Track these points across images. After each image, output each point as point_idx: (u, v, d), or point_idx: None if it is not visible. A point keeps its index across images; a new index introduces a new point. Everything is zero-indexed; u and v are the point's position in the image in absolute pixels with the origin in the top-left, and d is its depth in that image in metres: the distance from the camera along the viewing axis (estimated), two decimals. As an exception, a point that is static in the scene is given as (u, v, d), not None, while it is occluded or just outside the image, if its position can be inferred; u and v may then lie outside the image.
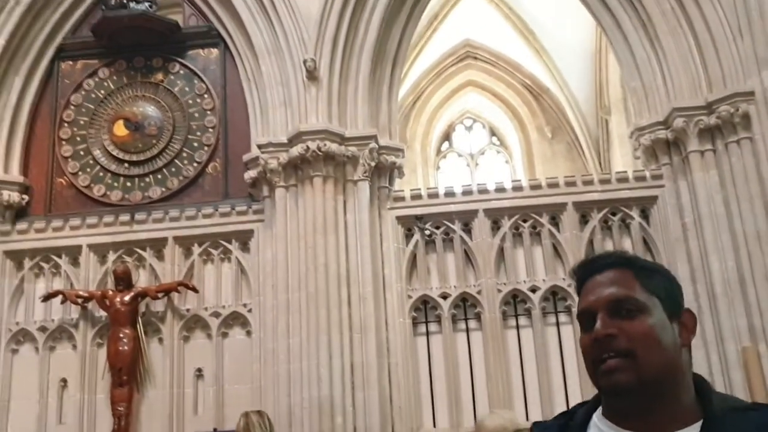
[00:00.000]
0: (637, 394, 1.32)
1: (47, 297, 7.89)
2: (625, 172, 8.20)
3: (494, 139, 16.08)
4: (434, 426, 7.50)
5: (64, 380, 7.82)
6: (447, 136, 16.10)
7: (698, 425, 1.32)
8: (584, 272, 1.46)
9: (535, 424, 1.55)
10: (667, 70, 7.85)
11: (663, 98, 7.86)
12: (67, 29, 8.86)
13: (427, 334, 7.76)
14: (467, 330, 7.75)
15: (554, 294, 7.76)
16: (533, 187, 8.11)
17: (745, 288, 7.12)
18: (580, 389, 7.16)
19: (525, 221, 7.95)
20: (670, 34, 7.85)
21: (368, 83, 8.11)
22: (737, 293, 7.15)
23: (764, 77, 7.37)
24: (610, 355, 1.33)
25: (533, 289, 7.72)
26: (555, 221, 7.94)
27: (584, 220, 7.93)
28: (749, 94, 7.40)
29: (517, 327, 7.71)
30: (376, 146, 7.86)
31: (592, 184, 8.02)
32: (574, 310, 6.98)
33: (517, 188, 8.13)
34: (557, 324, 7.66)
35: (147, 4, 8.60)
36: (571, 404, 1.60)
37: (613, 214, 7.91)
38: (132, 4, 8.54)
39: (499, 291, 7.71)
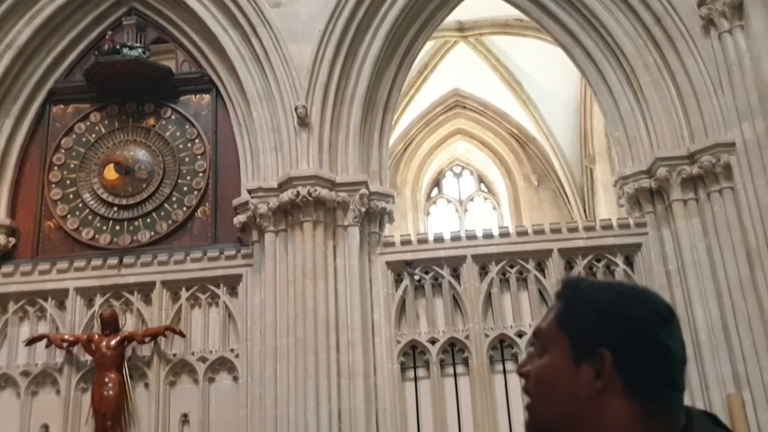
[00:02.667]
0: None
1: (32, 341, 7.80)
2: (610, 219, 8.32)
3: (482, 186, 16.28)
4: (422, 473, 7.43)
5: (46, 426, 7.67)
6: (437, 183, 16.28)
7: None
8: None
9: None
10: (650, 120, 8.05)
11: (646, 148, 8.03)
12: (59, 73, 8.95)
13: (416, 379, 7.73)
14: (455, 375, 7.73)
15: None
16: (520, 234, 8.22)
17: (729, 336, 7.19)
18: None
19: (512, 267, 8.02)
20: (653, 86, 8.07)
21: (359, 130, 8.24)
22: (721, 341, 7.21)
23: (744, 129, 7.57)
24: None
25: (519, 334, 7.75)
26: (541, 267, 8.02)
27: (569, 266, 8.01)
28: (730, 144, 7.59)
29: (504, 372, 7.72)
30: (367, 192, 7.94)
31: (577, 231, 8.13)
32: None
33: (505, 235, 8.24)
34: (545, 370, 7.66)
35: (140, 50, 8.73)
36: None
37: (598, 261, 8.00)
38: (125, 50, 8.66)
39: (487, 336, 7.74)
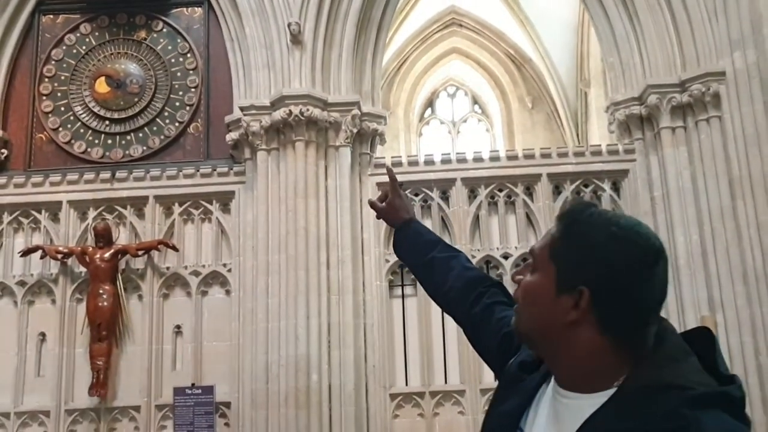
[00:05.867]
0: (525, 342, 1.41)
1: (27, 252, 7.94)
2: (599, 145, 8.40)
3: (476, 107, 16.21)
4: (406, 385, 7.77)
5: (43, 334, 7.92)
6: (430, 103, 16.19)
7: (607, 393, 1.24)
8: None
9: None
10: (644, 47, 8.02)
11: (639, 75, 8.03)
12: (47, -19, 8.78)
13: (403, 296, 7.98)
14: (441, 294, 7.94)
15: (525, 261, 7.97)
16: (510, 158, 8.31)
17: (707, 261, 7.40)
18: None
19: (501, 190, 8.15)
20: (649, 12, 7.99)
21: (352, 49, 8.17)
22: (699, 266, 7.43)
23: (736, 58, 7.56)
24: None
25: (505, 256, 7.96)
26: (529, 191, 8.15)
27: (557, 190, 8.14)
28: (721, 74, 7.60)
29: (489, 293, 7.92)
30: (359, 113, 7.95)
31: (566, 156, 8.22)
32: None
33: (495, 158, 8.32)
34: (528, 291, 7.89)
35: (130, -41, 8.53)
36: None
37: (586, 186, 8.13)
38: (115, -41, 8.47)
39: (473, 257, 7.91)
